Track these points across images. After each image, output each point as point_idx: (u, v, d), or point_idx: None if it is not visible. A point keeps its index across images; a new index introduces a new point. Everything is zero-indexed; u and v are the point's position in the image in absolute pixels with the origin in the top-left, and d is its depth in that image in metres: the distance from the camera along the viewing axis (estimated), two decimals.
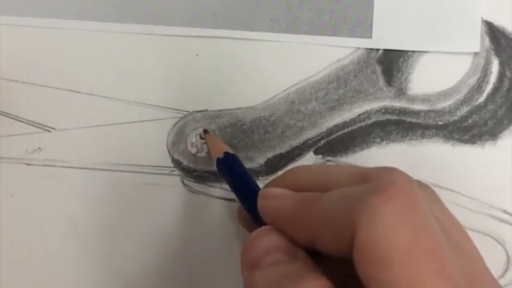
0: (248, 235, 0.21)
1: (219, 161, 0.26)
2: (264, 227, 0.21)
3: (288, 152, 0.30)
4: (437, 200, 0.21)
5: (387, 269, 0.16)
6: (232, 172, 0.26)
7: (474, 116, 0.31)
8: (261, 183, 0.30)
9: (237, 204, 0.29)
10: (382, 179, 0.18)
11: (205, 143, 0.30)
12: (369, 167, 0.21)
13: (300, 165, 0.23)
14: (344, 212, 0.18)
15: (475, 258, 0.20)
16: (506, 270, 0.30)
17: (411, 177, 0.19)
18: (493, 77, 0.31)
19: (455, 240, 0.19)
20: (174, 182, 0.30)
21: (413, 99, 0.31)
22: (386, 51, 0.31)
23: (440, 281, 0.16)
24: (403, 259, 0.16)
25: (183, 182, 0.30)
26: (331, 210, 0.19)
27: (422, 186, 0.22)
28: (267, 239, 0.20)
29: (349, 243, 0.17)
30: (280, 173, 0.30)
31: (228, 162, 0.26)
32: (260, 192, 0.23)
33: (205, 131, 0.30)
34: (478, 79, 0.31)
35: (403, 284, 0.16)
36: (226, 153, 0.26)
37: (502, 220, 0.30)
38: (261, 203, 0.22)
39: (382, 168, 0.20)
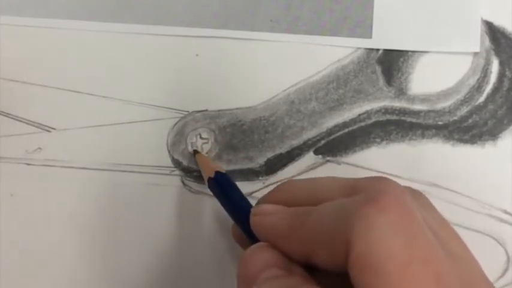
0: (243, 252, 0.21)
1: (211, 181, 0.27)
2: (259, 244, 0.21)
3: (288, 152, 0.30)
4: (429, 207, 0.21)
5: (384, 279, 0.16)
6: (224, 191, 0.26)
7: (474, 116, 0.31)
8: (260, 183, 0.30)
9: None
10: (374, 189, 0.18)
11: (205, 143, 0.30)
12: (359, 177, 0.21)
13: (290, 180, 0.24)
14: (338, 224, 0.18)
15: (471, 264, 0.20)
16: (506, 270, 0.30)
17: (402, 186, 0.19)
18: (493, 77, 0.31)
19: (449, 247, 0.19)
20: (174, 182, 0.30)
21: (413, 99, 0.31)
22: (387, 51, 0.31)
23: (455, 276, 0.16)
24: (399, 269, 0.16)
25: (183, 182, 0.30)
26: (325, 223, 0.19)
27: (414, 193, 0.22)
28: (263, 255, 0.20)
29: (344, 255, 0.17)
30: (280, 173, 0.30)
31: (219, 182, 0.26)
32: (252, 210, 0.23)
33: (195, 151, 0.30)
34: (478, 79, 0.31)
35: None
36: (217, 173, 0.27)
37: (502, 220, 0.30)
38: (254, 220, 0.22)
39: (372, 178, 0.20)
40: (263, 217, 0.22)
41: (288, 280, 0.19)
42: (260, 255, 0.21)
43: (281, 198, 0.23)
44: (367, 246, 0.17)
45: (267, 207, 0.22)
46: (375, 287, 0.16)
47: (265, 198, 0.24)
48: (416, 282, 0.16)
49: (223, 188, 0.26)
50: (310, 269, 0.20)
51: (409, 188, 0.21)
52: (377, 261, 0.16)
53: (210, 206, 0.30)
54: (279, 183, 0.29)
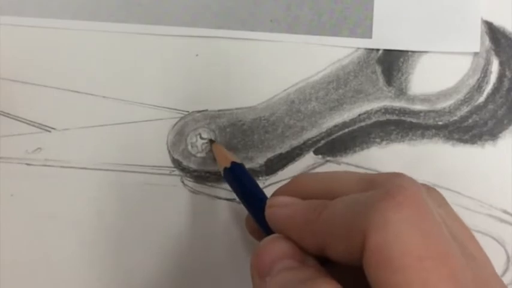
0: (256, 243, 0.21)
1: (226, 171, 0.27)
2: (273, 235, 0.21)
3: (288, 152, 0.30)
4: (444, 204, 0.22)
5: (399, 273, 0.16)
6: (240, 182, 0.26)
7: (474, 116, 0.31)
8: (260, 183, 0.30)
9: (237, 205, 0.29)
10: (391, 185, 0.18)
11: (205, 143, 0.30)
12: (375, 172, 0.21)
13: (306, 173, 0.24)
14: (354, 218, 0.18)
15: (484, 262, 0.20)
16: (506, 270, 0.30)
17: (418, 183, 0.19)
18: (493, 77, 0.31)
19: (464, 245, 0.19)
20: (174, 182, 0.30)
21: (413, 99, 0.31)
22: (387, 51, 0.31)
23: (452, 286, 0.16)
24: (415, 264, 0.16)
25: (183, 182, 0.30)
26: (341, 217, 0.19)
27: (430, 190, 0.22)
28: (278, 246, 0.21)
29: (359, 248, 0.17)
30: (280, 173, 0.30)
31: (235, 172, 0.26)
32: (267, 201, 0.23)
33: (211, 141, 0.30)
34: (478, 79, 0.31)
35: None
36: (233, 163, 0.27)
37: (502, 220, 0.30)
38: (269, 212, 0.22)
39: (389, 174, 0.20)
40: (278, 209, 0.22)
41: (302, 272, 0.19)
42: (275, 246, 0.21)
43: (296, 190, 0.23)
44: (383, 240, 0.17)
45: (283, 199, 0.22)
46: (389, 280, 0.16)
47: (280, 190, 0.24)
48: (431, 277, 0.16)
49: (239, 178, 0.26)
50: (324, 261, 0.20)
51: (424, 185, 0.21)
52: (392, 256, 0.17)
53: (210, 206, 0.30)
54: (279, 183, 0.30)
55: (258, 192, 0.25)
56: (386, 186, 0.18)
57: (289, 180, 0.24)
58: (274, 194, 0.24)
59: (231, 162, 0.27)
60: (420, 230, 0.17)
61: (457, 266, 0.17)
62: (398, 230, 0.17)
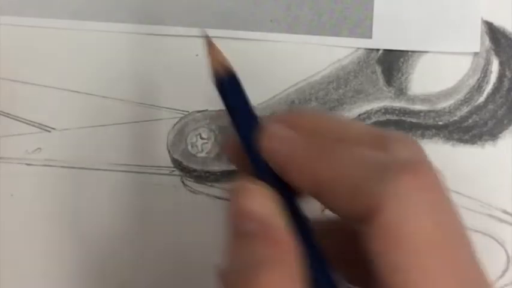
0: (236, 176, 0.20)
1: (219, 80, 0.23)
2: (260, 185, 0.19)
3: None
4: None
5: (411, 256, 0.16)
6: (232, 97, 0.22)
7: (474, 116, 0.31)
8: None
9: None
10: (411, 157, 0.18)
11: (205, 143, 0.30)
12: (386, 130, 0.20)
13: (308, 109, 0.21)
14: (366, 178, 0.17)
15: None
16: (506, 270, 0.30)
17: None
18: (493, 77, 0.31)
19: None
20: (174, 182, 0.30)
21: (413, 99, 0.31)
22: (387, 51, 0.31)
23: (474, 268, 0.16)
24: (430, 249, 0.16)
25: (183, 182, 0.30)
26: (352, 170, 0.17)
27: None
28: (254, 202, 0.19)
29: (363, 210, 0.16)
30: None
31: (229, 84, 0.23)
32: (266, 131, 0.20)
33: (205, 37, 0.24)
34: (478, 79, 0.31)
35: (435, 273, 0.16)
36: (229, 72, 0.23)
37: (502, 220, 0.30)
38: (267, 143, 0.20)
39: (402, 137, 0.19)
40: (278, 141, 0.19)
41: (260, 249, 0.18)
42: (258, 203, 0.19)
43: (295, 125, 0.20)
44: (401, 218, 0.16)
45: (284, 132, 0.20)
46: (399, 260, 0.16)
47: (276, 118, 0.21)
48: (439, 265, 0.16)
49: (232, 92, 0.22)
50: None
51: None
52: (407, 236, 0.16)
53: (211, 206, 0.30)
54: None
55: (250, 112, 0.22)
56: (404, 157, 0.17)
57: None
58: (270, 121, 0.21)
59: (226, 71, 0.23)
60: (439, 215, 0.16)
61: (473, 253, 0.16)
62: (416, 211, 0.16)
